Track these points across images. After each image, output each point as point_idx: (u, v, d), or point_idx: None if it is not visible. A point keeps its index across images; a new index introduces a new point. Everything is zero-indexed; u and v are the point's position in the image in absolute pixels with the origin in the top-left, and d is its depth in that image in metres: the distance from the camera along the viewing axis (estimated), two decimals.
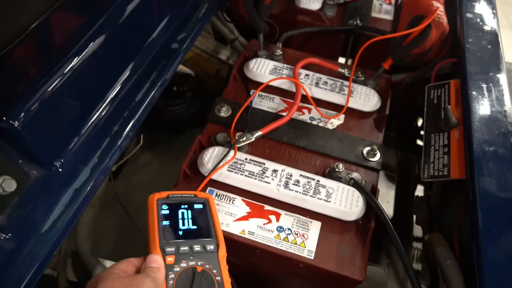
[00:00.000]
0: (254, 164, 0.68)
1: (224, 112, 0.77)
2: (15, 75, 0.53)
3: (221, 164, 0.66)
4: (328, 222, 0.64)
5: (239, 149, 0.71)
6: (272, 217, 0.64)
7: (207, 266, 0.50)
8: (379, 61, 0.84)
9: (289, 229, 0.63)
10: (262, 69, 0.84)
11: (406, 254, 0.58)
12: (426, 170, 0.63)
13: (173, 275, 0.48)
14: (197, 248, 0.51)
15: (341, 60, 1.12)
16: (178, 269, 0.48)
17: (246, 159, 0.69)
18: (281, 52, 0.88)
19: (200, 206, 0.56)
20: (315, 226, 0.63)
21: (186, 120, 1.55)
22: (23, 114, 0.51)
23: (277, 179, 0.66)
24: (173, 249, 0.50)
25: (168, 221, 0.53)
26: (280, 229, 0.63)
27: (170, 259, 0.49)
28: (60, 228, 0.50)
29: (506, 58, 0.77)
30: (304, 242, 0.62)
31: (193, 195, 0.57)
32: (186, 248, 0.50)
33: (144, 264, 0.47)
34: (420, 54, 0.79)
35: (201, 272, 0.49)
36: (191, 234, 0.53)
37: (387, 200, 1.47)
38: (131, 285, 0.43)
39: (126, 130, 0.62)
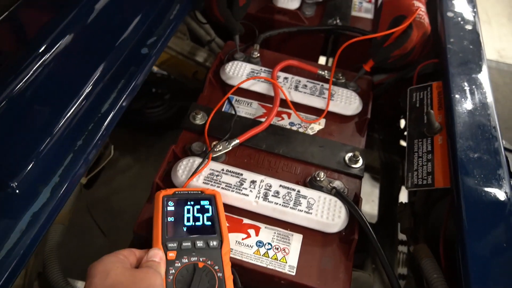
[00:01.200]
0: (231, 175, 0.64)
1: (200, 119, 0.73)
2: None
3: (193, 174, 0.62)
4: (310, 235, 0.61)
5: (216, 159, 0.67)
6: (251, 231, 0.61)
7: (209, 262, 0.50)
8: (360, 61, 0.82)
9: (269, 243, 0.60)
10: (239, 72, 0.80)
11: (391, 260, 0.56)
12: (410, 179, 0.61)
13: (173, 271, 0.48)
14: (199, 244, 0.51)
15: (322, 59, 1.09)
16: (179, 264, 0.49)
17: (222, 170, 0.65)
18: (258, 54, 0.84)
19: (206, 202, 0.57)
20: (296, 240, 0.60)
21: (166, 122, 1.50)
22: None
23: (255, 191, 0.63)
24: (175, 244, 0.50)
25: (173, 218, 0.54)
26: (259, 244, 0.60)
27: (172, 255, 0.49)
28: (15, 257, 0.45)
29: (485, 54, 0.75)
30: (285, 257, 0.59)
31: (200, 192, 0.59)
32: (189, 244, 0.51)
33: (146, 257, 0.47)
34: (402, 56, 0.76)
35: (202, 268, 0.49)
36: (195, 230, 0.53)
37: (371, 199, 1.46)
38: (145, 278, 0.43)
39: (92, 145, 0.57)
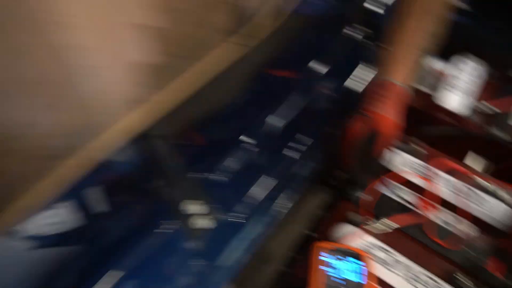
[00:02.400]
0: (384, 253, 0.76)
1: (360, 193, 0.87)
2: None
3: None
4: None
5: (371, 233, 0.79)
6: None
7: None
8: None
9: None
10: (400, 161, 0.92)
11: None
12: None
13: None
14: None
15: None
16: None
17: (377, 245, 0.77)
18: (419, 149, 0.95)
19: (362, 263, 0.67)
20: None
21: None
22: None
23: (404, 275, 0.73)
24: None
25: (328, 271, 0.64)
26: None
27: None
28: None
29: None
30: None
31: (355, 252, 0.68)
32: None
33: None
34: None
35: None
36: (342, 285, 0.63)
37: None
38: None
39: None
